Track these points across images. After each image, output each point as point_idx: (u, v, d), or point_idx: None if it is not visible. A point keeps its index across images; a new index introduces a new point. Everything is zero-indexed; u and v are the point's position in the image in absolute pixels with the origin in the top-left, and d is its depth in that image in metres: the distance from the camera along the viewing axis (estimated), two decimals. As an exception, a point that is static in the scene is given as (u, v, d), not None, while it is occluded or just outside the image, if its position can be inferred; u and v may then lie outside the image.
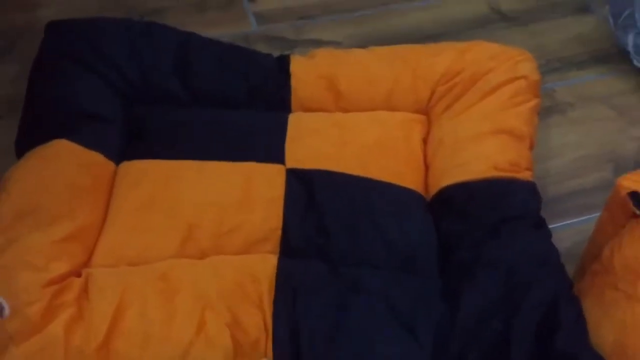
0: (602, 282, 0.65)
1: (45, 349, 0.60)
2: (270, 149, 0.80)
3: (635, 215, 0.65)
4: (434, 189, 0.81)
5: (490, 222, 0.74)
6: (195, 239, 0.71)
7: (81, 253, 0.69)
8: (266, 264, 0.69)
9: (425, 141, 0.86)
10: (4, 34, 1.08)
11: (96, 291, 0.65)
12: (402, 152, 0.83)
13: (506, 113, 0.84)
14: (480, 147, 0.81)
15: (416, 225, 0.76)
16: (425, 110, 0.89)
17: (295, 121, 0.84)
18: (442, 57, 0.90)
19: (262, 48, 1.06)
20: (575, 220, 0.88)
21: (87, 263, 0.69)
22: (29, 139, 0.78)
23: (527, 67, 0.89)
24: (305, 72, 0.88)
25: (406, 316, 0.68)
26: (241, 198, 0.74)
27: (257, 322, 0.65)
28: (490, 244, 0.73)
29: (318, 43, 1.12)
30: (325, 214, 0.75)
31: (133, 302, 0.64)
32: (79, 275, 0.67)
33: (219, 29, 1.11)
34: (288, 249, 0.72)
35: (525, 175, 0.80)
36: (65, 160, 0.74)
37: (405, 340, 0.66)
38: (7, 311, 0.60)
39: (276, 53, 0.94)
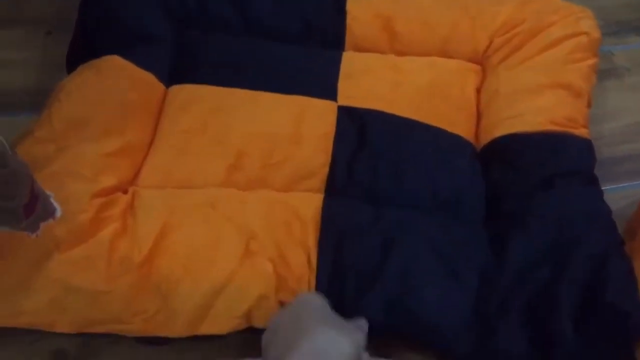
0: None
1: (89, 259, 0.60)
2: (322, 84, 0.78)
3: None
4: (485, 139, 0.79)
5: (543, 174, 0.73)
6: (242, 168, 0.70)
7: (128, 169, 0.69)
8: (311, 203, 0.68)
9: (478, 91, 0.84)
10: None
11: (142, 209, 0.65)
12: (456, 98, 0.81)
13: (565, 68, 0.82)
14: (537, 99, 0.79)
15: (464, 172, 0.75)
16: (481, 61, 0.87)
17: (349, 60, 0.83)
18: (504, 6, 0.87)
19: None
20: (625, 184, 0.86)
21: (133, 180, 0.69)
22: (82, 54, 0.77)
23: (589, 24, 0.86)
24: (362, 10, 0.86)
25: (450, 260, 0.67)
26: (291, 131, 0.73)
27: (302, 259, 0.65)
28: (542, 195, 0.71)
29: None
30: (373, 154, 0.74)
31: (178, 224, 0.64)
32: (125, 191, 0.67)
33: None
34: (334, 188, 0.71)
35: (581, 132, 0.77)
36: (118, 76, 0.73)
37: (447, 284, 0.65)
38: (58, 213, 0.60)
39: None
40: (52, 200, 0.60)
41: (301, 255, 0.65)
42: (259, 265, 0.64)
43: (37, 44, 0.89)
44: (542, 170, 0.73)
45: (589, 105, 0.82)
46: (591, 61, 0.84)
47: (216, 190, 0.68)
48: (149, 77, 0.76)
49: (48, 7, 0.93)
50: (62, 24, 0.86)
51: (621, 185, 0.86)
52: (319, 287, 0.64)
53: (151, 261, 0.62)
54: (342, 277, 0.64)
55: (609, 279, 0.62)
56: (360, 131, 0.75)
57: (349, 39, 0.85)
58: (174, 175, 0.70)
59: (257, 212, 0.66)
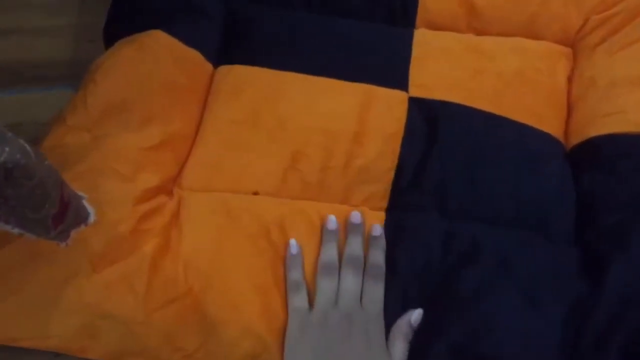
0: None
1: (127, 280, 0.52)
2: (392, 70, 0.68)
3: None
4: (577, 137, 0.68)
5: (649, 185, 0.62)
6: (299, 170, 0.62)
7: (172, 165, 0.61)
8: (370, 218, 0.60)
9: (569, 79, 0.73)
10: None
11: (190, 222, 0.57)
12: (544, 89, 0.70)
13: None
14: (641, 94, 0.67)
15: (552, 178, 0.64)
16: (572, 42, 0.75)
17: (421, 39, 0.72)
18: (602, -20, 0.74)
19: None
20: None
21: (177, 178, 0.61)
22: (121, 26, 0.68)
23: None
24: (439, -20, 0.74)
25: (532, 287, 0.57)
26: (355, 127, 0.63)
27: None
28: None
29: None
30: (448, 157, 0.64)
31: (231, 248, 0.56)
32: (168, 191, 0.59)
33: None
34: (399, 196, 0.62)
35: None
36: (161, 54, 0.64)
37: (528, 315, 0.56)
38: (92, 218, 0.52)
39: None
40: (85, 203, 0.52)
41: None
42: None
43: (72, 10, 0.80)
44: (647, 181, 0.62)
45: None
46: None
47: (272, 202, 0.60)
48: (196, 56, 0.66)
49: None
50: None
51: None
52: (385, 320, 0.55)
53: (197, 292, 0.54)
54: (407, 305, 0.56)
55: None
56: (432, 129, 0.65)
57: (421, 14, 0.74)
58: (223, 174, 0.61)
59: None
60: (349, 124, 0.64)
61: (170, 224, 0.57)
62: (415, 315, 0.55)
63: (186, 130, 0.63)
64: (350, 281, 0.56)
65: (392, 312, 0.55)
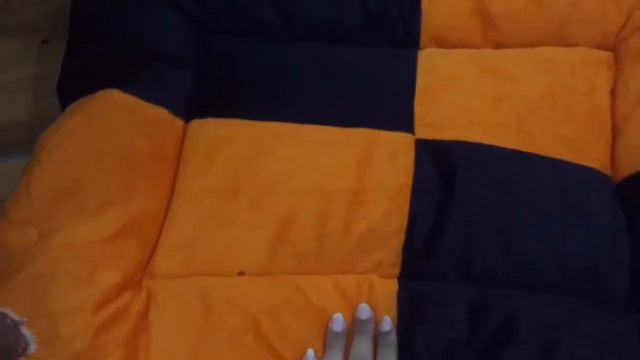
0: None
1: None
2: (393, 107, 0.57)
3: None
4: (627, 168, 0.56)
5: None
6: (290, 241, 0.51)
7: (138, 253, 0.51)
8: (382, 291, 0.49)
9: (613, 92, 0.60)
10: None
11: (160, 320, 0.48)
12: (582, 110, 0.58)
13: None
14: None
15: (603, 229, 0.53)
16: (612, 45, 0.62)
17: (427, 62, 0.60)
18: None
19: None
20: None
21: (145, 267, 0.51)
22: (74, 83, 0.59)
23: None
24: (444, -11, 0.62)
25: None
26: (354, 184, 0.53)
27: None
28: None
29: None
30: (470, 211, 0.52)
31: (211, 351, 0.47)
32: (134, 285, 0.50)
33: None
34: (413, 262, 0.51)
35: None
36: (117, 119, 0.54)
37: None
38: (32, 348, 0.44)
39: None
40: (24, 329, 0.43)
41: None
42: None
43: (31, 59, 0.71)
44: None
45: None
46: None
47: (262, 283, 0.50)
48: (161, 114, 0.56)
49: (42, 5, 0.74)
50: (64, 27, 0.67)
51: None
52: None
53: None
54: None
55: None
56: (447, 175, 0.54)
57: (425, 32, 0.62)
58: (200, 256, 0.52)
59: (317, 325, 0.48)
60: (347, 181, 0.53)
61: (136, 330, 0.47)
62: None
63: (154, 208, 0.53)
64: None
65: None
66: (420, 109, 0.57)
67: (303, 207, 0.52)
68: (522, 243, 0.51)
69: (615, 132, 0.59)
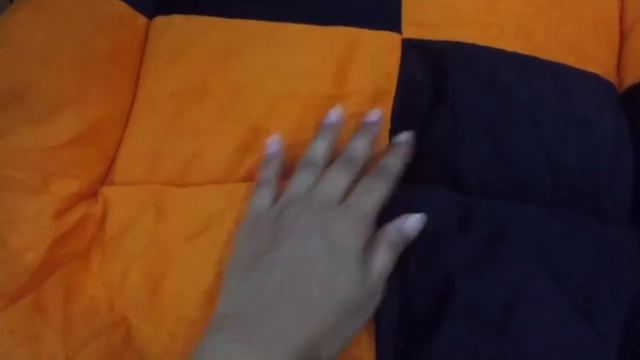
0: None
1: (37, 319, 0.40)
2: (379, 3, 0.51)
3: None
4: (633, 76, 0.51)
5: None
6: (260, 150, 0.47)
7: (97, 162, 0.47)
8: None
9: (624, -5, 0.55)
10: None
11: (116, 225, 0.44)
12: (588, 12, 0.52)
13: None
14: None
15: (604, 137, 0.48)
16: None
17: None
18: None
19: None
20: None
21: (104, 178, 0.47)
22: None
23: None
24: None
25: (580, 288, 0.43)
26: (333, 88, 0.48)
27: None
28: None
29: None
30: (459, 115, 0.48)
31: (169, 258, 0.43)
32: (94, 194, 0.46)
33: None
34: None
35: None
36: (70, 13, 0.49)
37: (575, 329, 0.42)
38: None
39: None
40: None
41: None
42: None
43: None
44: None
45: None
46: None
47: (227, 188, 0.46)
48: (120, 8, 0.51)
49: None
50: None
51: None
52: (381, 337, 0.42)
53: (131, 320, 0.42)
54: (412, 326, 0.42)
55: None
56: (436, 78, 0.49)
57: None
58: (164, 163, 0.47)
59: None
60: (324, 85, 0.48)
61: (92, 240, 0.44)
62: (411, 222, 0.42)
63: (113, 114, 0.48)
64: (336, 177, 0.42)
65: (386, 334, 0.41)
66: (409, 5, 0.51)
67: (275, 113, 0.47)
68: (517, 150, 0.47)
69: (623, 37, 0.53)
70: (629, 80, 0.51)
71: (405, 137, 0.45)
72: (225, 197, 0.45)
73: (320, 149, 0.44)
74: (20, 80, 0.46)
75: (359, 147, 0.44)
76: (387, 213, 0.43)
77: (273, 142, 0.46)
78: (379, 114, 0.46)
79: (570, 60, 0.50)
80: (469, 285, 0.42)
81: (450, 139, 0.48)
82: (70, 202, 0.44)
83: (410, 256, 0.43)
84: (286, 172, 0.45)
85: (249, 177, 0.46)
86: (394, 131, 0.47)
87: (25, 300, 0.40)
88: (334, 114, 0.46)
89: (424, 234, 0.43)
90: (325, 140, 0.44)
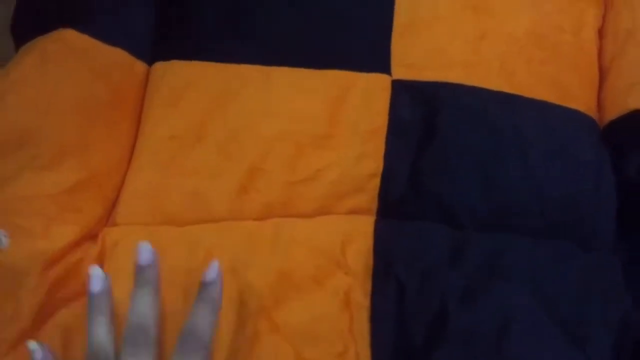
0: None
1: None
2: (368, 47, 0.53)
3: None
4: (614, 110, 0.53)
5: None
6: (257, 189, 0.49)
7: (98, 206, 0.48)
8: (357, 231, 0.47)
9: (601, 33, 0.57)
10: None
11: (117, 268, 0.45)
12: (568, 50, 0.55)
13: None
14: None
15: (588, 168, 0.51)
16: (601, -18, 0.59)
17: (406, 1, 0.56)
18: None
19: None
20: None
21: (106, 220, 0.49)
22: (28, 23, 0.55)
23: None
24: None
25: (570, 315, 0.45)
26: (325, 128, 0.50)
27: (343, 324, 0.44)
28: None
29: None
30: (448, 152, 0.50)
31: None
32: (92, 238, 0.47)
33: None
34: (391, 207, 0.48)
35: None
36: (72, 62, 0.50)
37: (567, 354, 0.44)
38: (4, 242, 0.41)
39: None
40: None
41: (343, 321, 0.44)
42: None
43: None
44: None
45: None
46: None
47: (219, 227, 0.47)
48: (121, 56, 0.52)
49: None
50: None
51: None
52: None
53: None
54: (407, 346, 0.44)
55: None
56: (426, 118, 0.51)
57: (405, -34, 0.58)
58: (164, 204, 0.49)
59: (279, 260, 0.45)
60: (317, 125, 0.50)
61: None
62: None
63: (114, 159, 0.50)
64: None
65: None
66: (399, 48, 0.53)
67: (271, 153, 0.49)
68: (505, 185, 0.49)
69: (603, 74, 0.56)
70: (609, 116, 0.54)
71: (214, 272, 0.42)
72: (224, 235, 0.47)
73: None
74: (23, 128, 0.47)
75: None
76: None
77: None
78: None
79: (552, 97, 0.53)
80: (462, 313, 0.44)
81: (441, 175, 0.50)
82: (70, 246, 0.45)
83: (406, 286, 0.45)
84: (269, 207, 0.48)
85: (247, 216, 0.48)
86: (386, 165, 0.49)
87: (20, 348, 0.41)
88: (96, 280, 0.42)
89: (420, 266, 0.45)
90: (100, 316, 0.41)
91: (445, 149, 0.50)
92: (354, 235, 0.47)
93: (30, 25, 0.54)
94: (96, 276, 0.42)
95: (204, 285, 0.42)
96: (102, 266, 0.45)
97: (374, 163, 0.49)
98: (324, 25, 0.54)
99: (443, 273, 0.46)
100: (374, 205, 0.49)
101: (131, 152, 0.51)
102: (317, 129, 0.50)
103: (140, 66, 0.54)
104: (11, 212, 0.44)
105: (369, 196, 0.49)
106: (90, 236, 0.47)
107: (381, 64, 0.52)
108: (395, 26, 0.54)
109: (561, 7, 0.56)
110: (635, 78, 0.53)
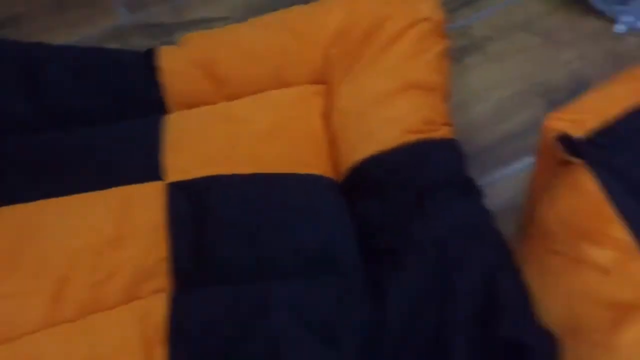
0: (540, 247, 0.56)
1: None
2: (144, 163, 0.68)
3: (566, 162, 0.56)
4: (345, 168, 0.70)
5: (412, 196, 0.64)
6: (66, 297, 0.59)
7: None
8: (156, 308, 0.58)
9: (326, 116, 0.75)
10: None
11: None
12: (300, 133, 0.72)
13: (411, 64, 0.73)
14: (387, 109, 0.70)
15: (327, 216, 0.66)
16: (324, 79, 0.78)
17: (175, 123, 0.72)
18: (331, 14, 0.78)
19: (138, 40, 0.93)
20: (512, 167, 0.79)
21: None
22: None
23: (428, 6, 0.77)
24: (177, 63, 0.75)
25: (326, 326, 0.58)
26: (115, 233, 0.62)
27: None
28: (416, 222, 0.63)
29: (202, 22, 0.99)
30: (221, 226, 0.64)
31: None
32: None
33: (85, 27, 0.97)
34: (181, 281, 0.61)
35: (443, 132, 0.69)
36: None
37: (324, 355, 0.56)
38: None
39: (155, 43, 0.82)
40: None
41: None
42: None
43: None
44: (409, 192, 0.64)
45: (446, 98, 0.74)
46: (439, 47, 0.76)
47: (37, 336, 0.57)
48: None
49: None
50: None
51: (508, 169, 0.79)
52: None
53: None
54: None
55: (500, 306, 0.54)
56: (198, 207, 0.65)
57: (170, 99, 0.75)
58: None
59: (86, 348, 0.56)
60: (109, 232, 0.63)
61: None
62: None
63: None
64: None
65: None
66: (170, 159, 0.68)
67: (75, 264, 0.61)
68: (267, 245, 0.63)
69: (333, 143, 0.73)
70: (344, 174, 0.70)
71: None
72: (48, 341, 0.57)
73: None
74: None
75: None
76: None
77: None
78: None
79: (295, 169, 0.69)
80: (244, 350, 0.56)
81: (220, 246, 0.63)
82: None
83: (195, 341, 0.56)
84: (82, 308, 0.58)
85: (69, 317, 0.58)
86: (172, 249, 0.62)
87: None
88: None
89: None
90: None
91: (218, 224, 0.64)
92: (156, 311, 0.58)
93: None
94: None
95: None
96: None
97: (160, 250, 0.62)
98: (109, 153, 0.69)
99: (223, 327, 0.58)
100: (167, 284, 0.61)
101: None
102: (106, 236, 0.62)
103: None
104: None
105: (162, 278, 0.61)
106: None
107: (155, 174, 0.67)
108: (167, 145, 0.69)
109: (293, 101, 0.74)
110: (351, 143, 0.70)
